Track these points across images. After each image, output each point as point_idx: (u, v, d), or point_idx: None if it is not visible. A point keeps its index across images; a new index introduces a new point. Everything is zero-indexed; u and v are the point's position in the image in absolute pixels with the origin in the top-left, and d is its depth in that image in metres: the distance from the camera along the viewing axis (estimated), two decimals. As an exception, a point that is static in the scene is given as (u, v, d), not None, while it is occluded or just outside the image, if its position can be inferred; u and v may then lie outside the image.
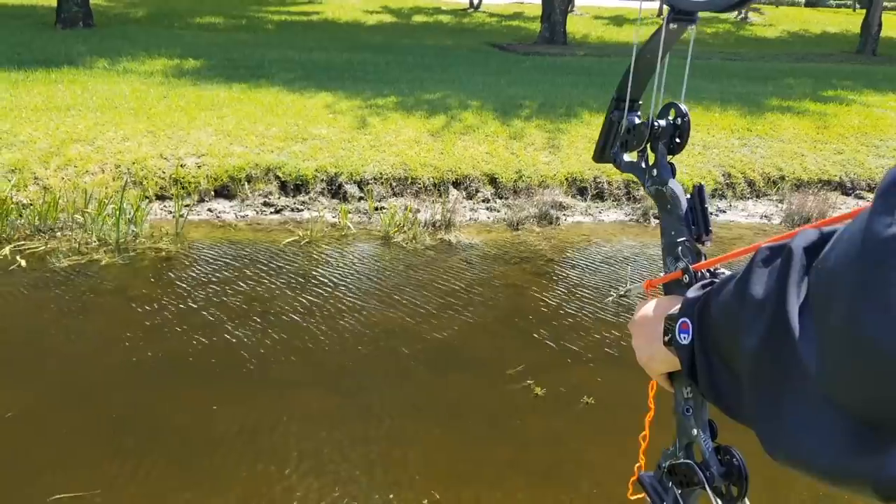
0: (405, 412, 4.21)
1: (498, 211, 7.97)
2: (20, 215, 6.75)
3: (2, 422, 3.87)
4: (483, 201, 8.10)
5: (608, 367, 4.77)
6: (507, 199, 8.14)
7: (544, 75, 13.78)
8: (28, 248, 6.29)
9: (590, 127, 9.70)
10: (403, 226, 7.22)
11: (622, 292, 5.97)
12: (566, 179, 8.42)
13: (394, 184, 8.03)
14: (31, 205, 6.91)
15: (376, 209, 7.63)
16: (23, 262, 6.00)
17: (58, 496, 3.34)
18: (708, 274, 0.98)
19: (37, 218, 6.72)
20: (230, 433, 3.89)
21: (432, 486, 3.54)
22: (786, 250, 0.69)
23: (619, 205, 8.30)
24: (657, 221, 1.31)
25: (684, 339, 0.82)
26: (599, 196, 8.40)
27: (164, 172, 7.75)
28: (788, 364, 0.64)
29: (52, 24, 17.13)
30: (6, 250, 6.18)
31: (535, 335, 5.19)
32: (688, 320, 0.82)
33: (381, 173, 8.07)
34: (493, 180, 8.29)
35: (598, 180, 8.45)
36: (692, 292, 0.85)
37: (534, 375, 4.55)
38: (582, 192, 8.39)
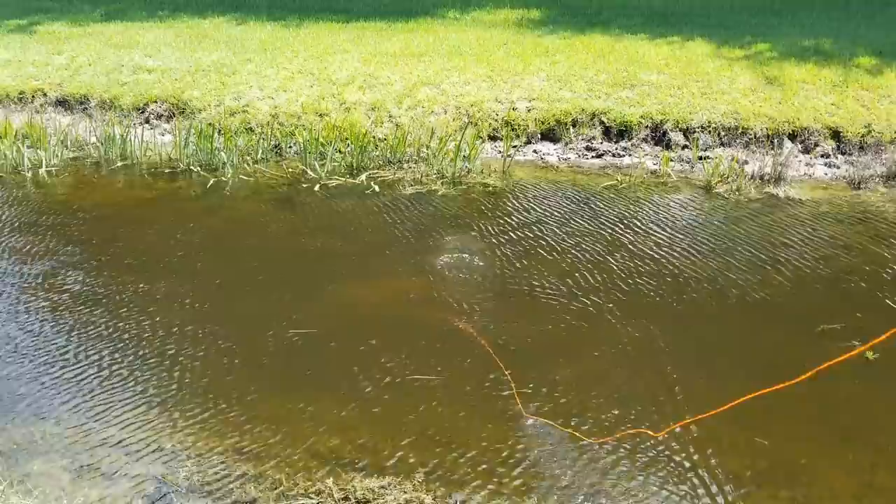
0: (714, 357, 4.23)
1: (838, 167, 7.33)
2: (376, 147, 7.75)
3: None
4: (822, 156, 7.49)
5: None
6: (850, 154, 7.45)
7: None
8: (380, 177, 7.22)
9: (966, 77, 8.40)
10: (728, 177, 6.99)
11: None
12: (927, 136, 7.44)
13: (722, 133, 7.76)
14: (385, 139, 7.87)
15: (700, 158, 7.45)
16: (376, 188, 6.92)
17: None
18: None
19: (389, 151, 7.66)
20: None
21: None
22: None
23: None
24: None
25: None
26: (968, 157, 7.31)
27: (497, 115, 8.31)
28: None
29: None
30: (363, 177, 7.17)
31: (869, 298, 4.83)
32: None
33: (709, 122, 7.83)
34: (835, 134, 7.61)
35: (969, 139, 7.35)
36: None
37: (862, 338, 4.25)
38: (945, 151, 7.37)
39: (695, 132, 7.78)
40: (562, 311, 4.66)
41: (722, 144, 7.69)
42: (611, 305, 4.74)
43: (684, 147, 7.70)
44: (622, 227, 6.01)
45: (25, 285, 5.04)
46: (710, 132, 7.77)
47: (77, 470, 3.29)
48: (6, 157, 7.57)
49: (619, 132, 8.04)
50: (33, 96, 9.30)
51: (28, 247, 5.62)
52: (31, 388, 3.87)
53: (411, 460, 3.36)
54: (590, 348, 4.30)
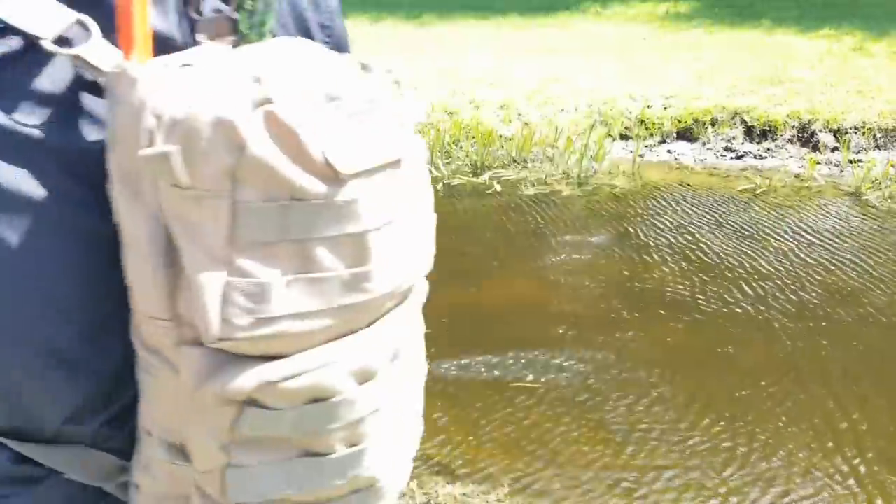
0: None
1: None
2: (501, 146, 7.66)
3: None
4: None
5: None
6: None
7: None
8: (503, 176, 7.13)
9: None
10: (881, 182, 6.38)
11: None
12: None
13: (878, 134, 7.10)
14: (511, 138, 7.78)
15: (851, 162, 6.85)
16: (498, 187, 6.84)
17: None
18: None
19: (514, 150, 7.56)
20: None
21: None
22: None
23: None
24: None
25: None
26: None
27: (630, 112, 8.01)
28: None
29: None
30: (486, 176, 7.11)
31: None
32: None
33: (863, 122, 7.19)
34: None
35: None
36: None
37: None
38: None
39: (846, 133, 7.17)
40: (694, 324, 4.42)
41: (877, 147, 7.05)
42: (743, 319, 4.44)
43: (834, 149, 7.12)
44: (753, 236, 5.62)
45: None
46: (863, 133, 7.13)
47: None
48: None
49: (762, 132, 7.54)
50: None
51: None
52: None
53: (497, 467, 3.28)
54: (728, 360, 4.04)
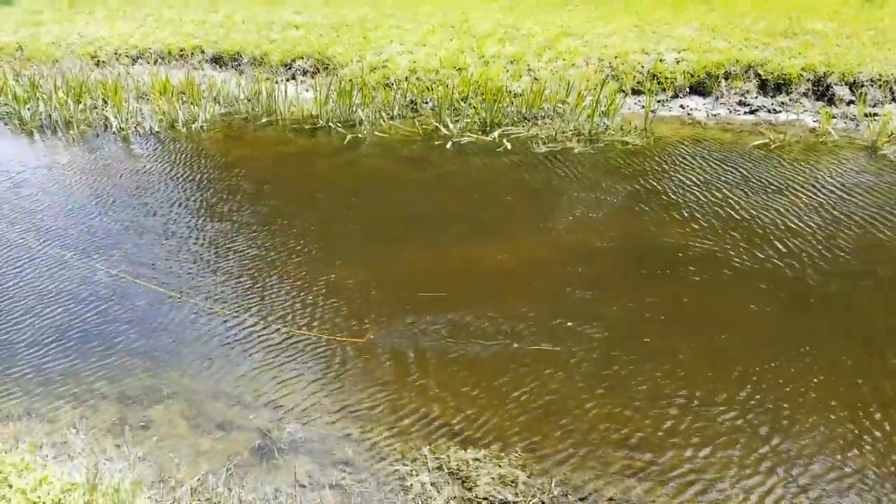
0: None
1: None
2: (511, 103, 7.57)
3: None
4: None
5: None
6: None
7: None
8: (513, 134, 7.06)
9: None
10: (897, 136, 6.29)
11: None
12: None
13: (894, 88, 6.97)
14: (521, 94, 7.67)
15: (867, 115, 6.74)
16: (508, 145, 6.77)
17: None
18: None
19: (524, 106, 7.47)
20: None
21: None
22: None
23: None
24: None
25: None
26: None
27: (642, 67, 7.88)
28: None
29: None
30: (496, 134, 7.03)
31: None
32: None
33: (880, 74, 7.06)
34: None
35: None
36: None
37: None
38: None
39: (863, 86, 7.04)
40: (713, 283, 4.38)
41: (894, 100, 6.92)
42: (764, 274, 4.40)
43: (850, 103, 7.00)
44: (768, 191, 5.55)
45: (187, 230, 5.33)
46: (880, 86, 7.00)
47: (194, 417, 3.46)
48: (165, 113, 8.04)
49: (776, 86, 7.42)
50: (192, 53, 9.81)
51: (188, 197, 5.95)
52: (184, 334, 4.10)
53: (510, 433, 3.28)
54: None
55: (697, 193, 5.53)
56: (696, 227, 5.00)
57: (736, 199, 5.40)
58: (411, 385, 3.59)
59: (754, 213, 5.16)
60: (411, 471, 3.08)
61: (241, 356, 3.88)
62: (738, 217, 5.11)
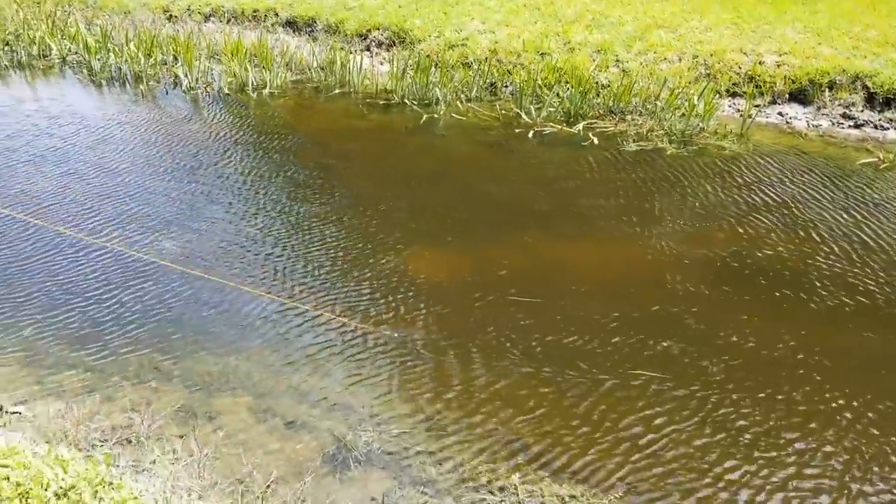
0: None
1: None
2: (598, 94, 7.15)
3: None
4: None
5: None
6: None
7: None
8: (599, 128, 6.65)
9: None
10: None
11: None
12: None
13: None
14: (608, 86, 7.25)
15: None
16: (594, 140, 6.37)
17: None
18: None
19: (612, 99, 7.05)
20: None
21: None
22: None
23: None
24: None
25: None
26: None
27: (740, 68, 7.39)
28: None
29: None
30: (580, 126, 6.63)
31: None
32: None
33: None
34: None
35: None
36: None
37: None
38: None
39: None
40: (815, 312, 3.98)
41: None
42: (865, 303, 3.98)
43: (971, 124, 6.46)
44: (869, 216, 5.08)
45: (254, 200, 5.07)
46: None
47: (262, 412, 3.19)
48: (235, 75, 7.78)
49: (885, 100, 6.88)
50: (266, 15, 9.54)
51: (253, 166, 5.69)
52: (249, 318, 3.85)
53: (611, 469, 2.93)
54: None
55: (807, 211, 5.09)
56: (815, 247, 4.57)
57: (844, 220, 4.95)
58: (499, 403, 3.27)
59: (875, 236, 4.72)
60: (500, 501, 2.76)
61: (324, 353, 3.60)
62: (860, 240, 4.67)
